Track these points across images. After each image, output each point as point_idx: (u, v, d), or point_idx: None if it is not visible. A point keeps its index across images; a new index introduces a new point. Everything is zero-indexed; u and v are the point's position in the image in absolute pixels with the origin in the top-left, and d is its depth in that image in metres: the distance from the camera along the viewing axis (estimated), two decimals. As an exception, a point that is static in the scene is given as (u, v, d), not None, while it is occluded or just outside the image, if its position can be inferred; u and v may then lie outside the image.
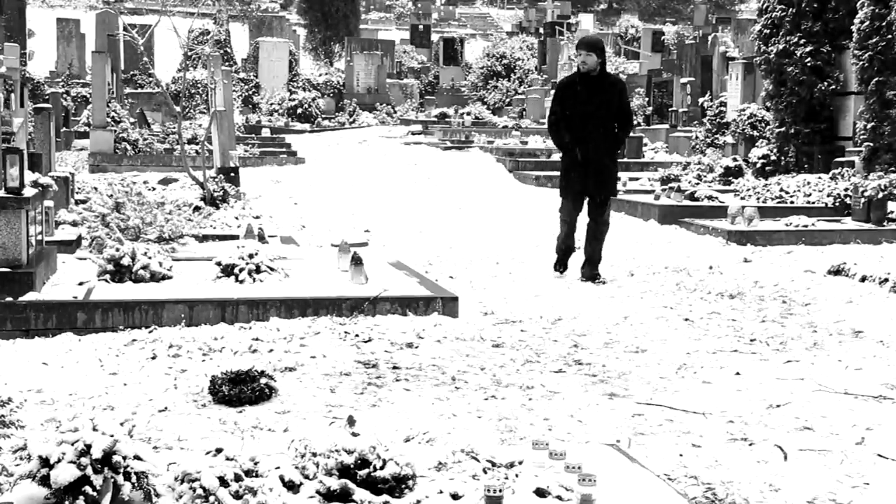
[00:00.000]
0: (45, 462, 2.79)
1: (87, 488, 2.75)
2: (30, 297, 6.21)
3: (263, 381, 4.70)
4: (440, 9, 55.52)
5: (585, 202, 8.55)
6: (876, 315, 6.97)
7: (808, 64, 15.40)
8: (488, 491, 2.95)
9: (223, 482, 2.91)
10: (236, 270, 6.98)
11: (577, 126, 8.31)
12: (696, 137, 20.21)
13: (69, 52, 29.22)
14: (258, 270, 7.02)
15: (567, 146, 8.41)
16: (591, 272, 8.40)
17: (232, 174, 13.99)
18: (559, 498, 3.06)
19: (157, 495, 2.88)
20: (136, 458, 2.86)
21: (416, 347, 5.84)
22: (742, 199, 13.36)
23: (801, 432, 4.37)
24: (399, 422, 4.35)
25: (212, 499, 2.85)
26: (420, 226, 12.31)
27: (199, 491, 2.86)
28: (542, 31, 37.28)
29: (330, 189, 15.76)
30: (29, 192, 6.49)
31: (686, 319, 6.87)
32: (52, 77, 27.71)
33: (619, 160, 8.93)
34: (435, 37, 39.10)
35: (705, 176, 15.54)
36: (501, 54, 31.34)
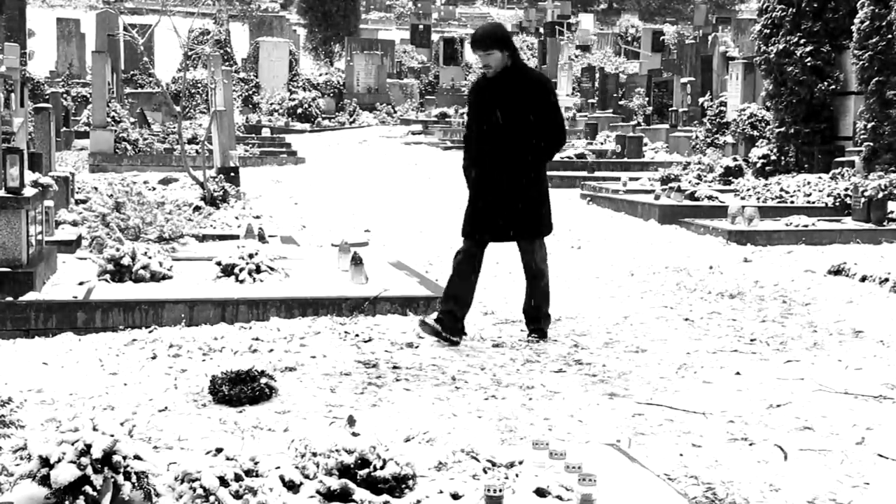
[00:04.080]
0: (45, 462, 2.79)
1: (88, 488, 2.75)
2: (30, 296, 6.21)
3: (263, 380, 4.70)
4: (440, 9, 55.54)
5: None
6: (876, 315, 6.97)
7: (808, 64, 15.39)
8: (488, 491, 2.95)
9: (223, 482, 2.91)
10: (236, 270, 6.98)
11: (487, 144, 6.07)
12: (697, 137, 20.21)
13: (69, 51, 29.23)
14: (258, 270, 7.01)
15: (466, 173, 6.24)
16: (531, 327, 6.31)
17: (232, 174, 14.00)
18: (559, 498, 3.06)
19: (158, 495, 2.88)
20: (137, 457, 2.86)
21: (417, 347, 5.84)
22: (742, 198, 13.35)
23: (801, 432, 4.37)
24: (399, 422, 4.35)
25: (212, 499, 2.85)
26: (420, 226, 12.31)
27: (200, 491, 2.86)
28: (542, 31, 37.32)
29: (330, 189, 15.76)
30: (29, 191, 6.49)
31: (686, 319, 6.87)
32: (52, 77, 27.73)
33: (549, 184, 6.38)
34: (435, 37, 39.11)
35: (705, 176, 15.54)
36: (502, 54, 31.28)
